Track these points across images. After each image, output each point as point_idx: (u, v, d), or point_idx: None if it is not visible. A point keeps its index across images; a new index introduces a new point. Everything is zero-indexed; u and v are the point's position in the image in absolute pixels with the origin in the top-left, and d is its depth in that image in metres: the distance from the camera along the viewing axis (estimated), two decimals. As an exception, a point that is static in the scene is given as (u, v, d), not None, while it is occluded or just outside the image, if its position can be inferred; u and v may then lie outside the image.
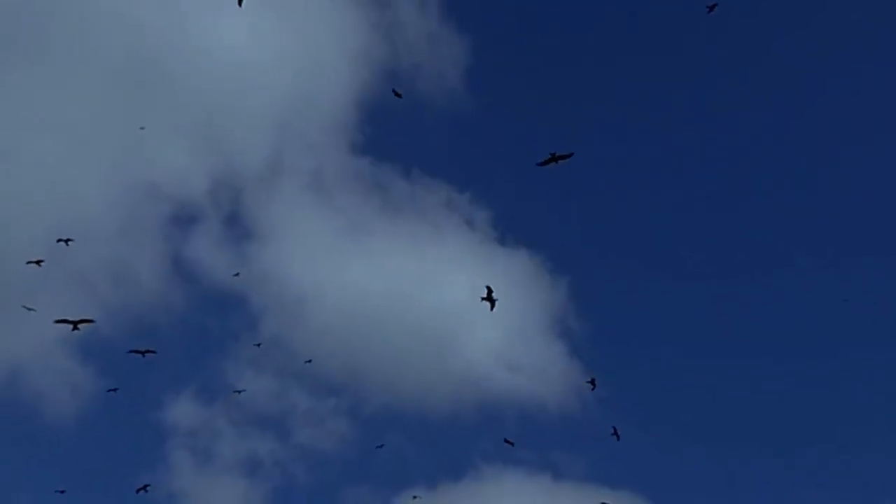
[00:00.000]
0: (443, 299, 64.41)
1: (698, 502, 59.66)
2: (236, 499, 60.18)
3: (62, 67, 63.51)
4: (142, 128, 52.98)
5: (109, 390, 53.38)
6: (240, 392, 56.23)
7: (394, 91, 43.15)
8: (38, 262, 39.74)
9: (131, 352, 40.84)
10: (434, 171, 68.91)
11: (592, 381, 41.80)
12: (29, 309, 42.21)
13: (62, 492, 46.77)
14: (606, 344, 65.04)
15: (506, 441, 49.81)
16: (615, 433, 41.27)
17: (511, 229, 66.93)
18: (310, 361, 54.91)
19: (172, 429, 61.14)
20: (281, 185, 68.31)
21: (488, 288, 34.45)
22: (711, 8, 36.93)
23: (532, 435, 61.17)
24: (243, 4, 34.20)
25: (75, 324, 34.56)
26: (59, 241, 39.76)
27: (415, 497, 51.88)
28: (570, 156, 30.65)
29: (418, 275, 65.99)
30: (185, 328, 63.31)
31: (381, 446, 56.43)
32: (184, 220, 64.22)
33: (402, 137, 71.96)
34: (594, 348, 63.18)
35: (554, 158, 30.68)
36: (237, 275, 59.52)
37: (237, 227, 65.36)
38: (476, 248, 67.12)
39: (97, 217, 61.42)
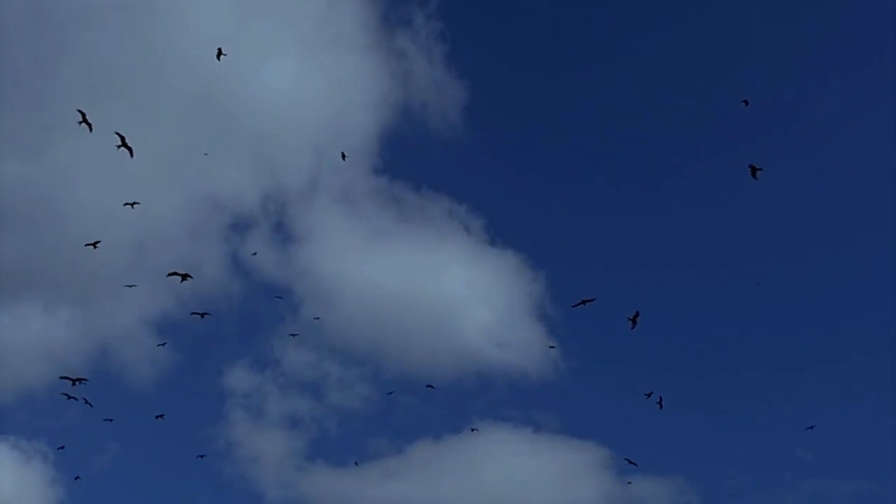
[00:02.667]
0: (446, 289, 70.08)
1: (649, 450, 65.01)
2: (281, 447, 65.38)
3: (144, 106, 67.17)
4: (205, 153, 58.08)
5: (159, 344, 58.95)
6: (295, 335, 60.39)
7: (342, 154, 47.37)
8: (94, 245, 41.14)
9: (192, 313, 46.41)
10: (438, 188, 74.91)
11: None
12: (130, 286, 47.54)
13: (110, 420, 51.71)
14: (576, 325, 69.79)
15: (428, 385, 55.57)
16: (660, 402, 44.40)
17: (500, 234, 73.15)
18: (317, 319, 59.98)
19: (231, 392, 67.03)
20: (317, 199, 73.13)
21: (637, 312, 37.20)
22: (746, 102, 41.65)
23: (517, 397, 67.05)
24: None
25: (183, 276, 38.89)
26: (125, 204, 41.72)
27: (473, 429, 57.16)
28: (593, 299, 38.87)
29: (426, 270, 70.79)
30: (242, 312, 69.22)
31: (391, 393, 63.33)
32: (240, 227, 69.50)
33: (413, 161, 78.49)
34: (566, 329, 68.47)
35: (583, 301, 38.86)
36: (255, 254, 65.12)
37: (282, 232, 70.77)
38: (472, 248, 72.27)
39: (172, 225, 67.22)
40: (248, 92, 70.80)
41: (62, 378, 40.85)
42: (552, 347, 51.55)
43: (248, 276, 67.73)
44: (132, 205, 41.74)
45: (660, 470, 62.77)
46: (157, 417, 50.59)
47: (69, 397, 45.63)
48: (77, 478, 55.05)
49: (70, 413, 64.49)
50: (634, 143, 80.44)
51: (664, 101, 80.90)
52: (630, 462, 47.43)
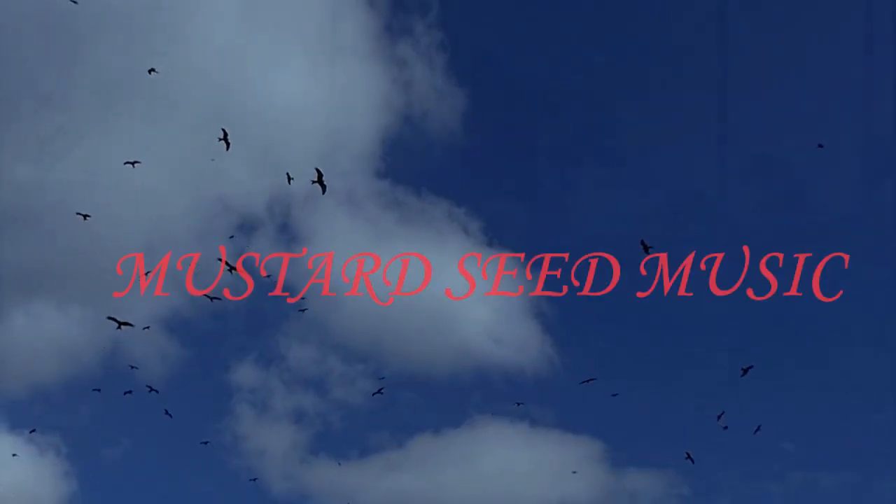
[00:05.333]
0: (445, 288, 69.10)
1: (642, 443, 66.86)
2: (286, 441, 66.83)
3: (155, 112, 66.87)
4: (212, 159, 54.96)
5: (144, 328, 55.83)
6: (305, 309, 58.08)
7: (287, 176, 44.91)
8: (84, 216, 42.07)
9: (203, 294, 46.83)
10: (438, 191, 75.67)
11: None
12: (148, 273, 48.98)
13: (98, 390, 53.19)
14: (570, 323, 71.78)
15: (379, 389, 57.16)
16: (689, 457, 45.82)
17: (497, 235, 73.93)
18: (305, 309, 59.89)
19: (237, 387, 68.39)
20: (321, 201, 70.34)
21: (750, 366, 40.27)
22: (821, 146, 43.34)
23: (513, 392, 67.36)
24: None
25: (231, 267, 40.30)
26: (125, 163, 42.67)
27: (518, 404, 57.34)
28: (595, 379, 43.95)
29: (426, 269, 69.17)
30: (248, 310, 69.27)
31: (382, 381, 63.20)
32: (247, 227, 70.21)
33: (414, 165, 78.90)
34: (561, 326, 70.32)
35: (588, 380, 44.00)
36: (232, 237, 64.73)
37: (287, 233, 71.77)
38: (470, 249, 72.51)
39: (182, 226, 68.06)
40: (255, 98, 72.24)
41: (109, 318, 40.94)
42: (591, 379, 52.56)
43: (255, 276, 66.53)
44: (133, 164, 42.82)
45: (653, 463, 64.36)
46: (125, 394, 51.61)
47: (151, 389, 48.92)
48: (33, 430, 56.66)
49: (83, 408, 68.15)
50: (632, 149, 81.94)
51: (662, 108, 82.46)
52: (688, 457, 48.01)
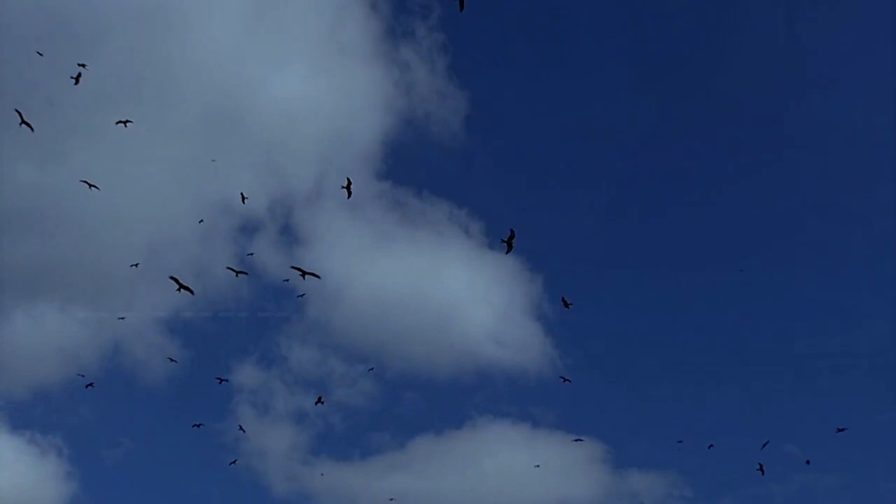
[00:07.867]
0: (446, 290, 71.41)
1: (644, 445, 67.71)
2: (287, 441, 66.77)
3: (158, 113, 68.45)
4: (213, 160, 58.04)
5: (120, 318, 56.85)
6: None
7: (241, 195, 44.07)
8: (90, 185, 41.02)
9: (228, 268, 45.52)
10: (439, 192, 76.48)
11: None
12: (134, 265, 46.84)
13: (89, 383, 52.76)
14: (572, 325, 72.93)
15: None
16: (760, 469, 46.39)
17: (499, 237, 73.16)
18: (303, 295, 57.54)
19: (238, 388, 67.78)
20: (323, 203, 74.25)
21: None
22: None
23: (515, 393, 68.83)
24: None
25: (304, 273, 38.28)
26: (118, 122, 41.92)
27: (564, 379, 55.12)
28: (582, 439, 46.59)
29: (427, 271, 72.03)
30: (249, 311, 69.98)
31: (371, 372, 64.65)
32: (249, 229, 70.08)
33: (415, 167, 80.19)
34: (563, 328, 70.57)
35: (577, 440, 47.25)
36: (201, 221, 63.17)
37: (289, 235, 72.09)
38: (471, 251, 73.64)
39: (184, 227, 67.31)
40: (258, 100, 73.44)
41: (171, 278, 38.90)
42: (580, 439, 53.68)
43: (256, 277, 68.51)
44: (125, 123, 42.44)
45: (655, 464, 64.90)
46: (87, 386, 51.85)
47: (222, 380, 51.09)
48: None
49: (83, 408, 68.31)
50: (628, 150, 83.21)
51: (655, 109, 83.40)
52: (760, 469, 47.81)
